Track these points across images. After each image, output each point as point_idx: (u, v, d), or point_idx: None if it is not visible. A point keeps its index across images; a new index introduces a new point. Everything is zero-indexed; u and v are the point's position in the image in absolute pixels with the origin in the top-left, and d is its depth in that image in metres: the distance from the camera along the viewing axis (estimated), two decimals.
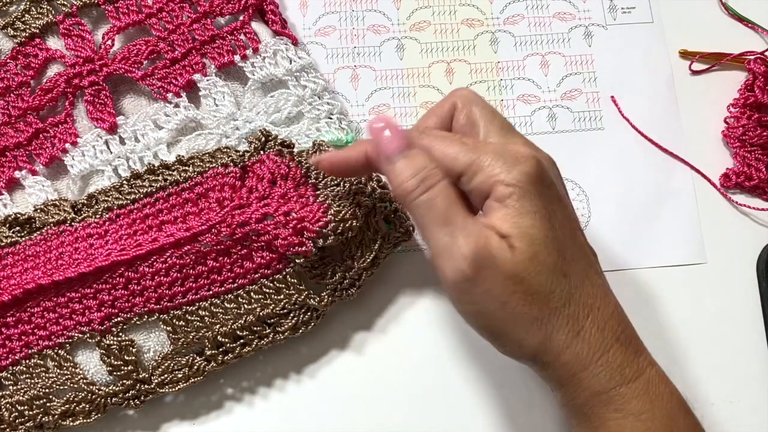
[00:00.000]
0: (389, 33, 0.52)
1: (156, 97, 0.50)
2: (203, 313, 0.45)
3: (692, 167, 0.50)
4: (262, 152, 0.46)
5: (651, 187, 0.50)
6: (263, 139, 0.46)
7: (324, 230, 0.43)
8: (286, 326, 0.45)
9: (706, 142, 0.51)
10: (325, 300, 0.45)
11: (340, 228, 0.43)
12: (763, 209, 0.50)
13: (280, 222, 0.43)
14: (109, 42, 0.50)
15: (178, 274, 0.44)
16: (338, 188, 0.44)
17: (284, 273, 0.44)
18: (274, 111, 0.49)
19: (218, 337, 0.44)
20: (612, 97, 0.51)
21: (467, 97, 0.39)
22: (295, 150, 0.46)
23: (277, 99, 0.49)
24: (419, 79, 0.52)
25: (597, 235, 0.49)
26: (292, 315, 0.45)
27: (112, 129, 0.49)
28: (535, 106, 0.51)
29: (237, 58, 0.49)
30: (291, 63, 0.49)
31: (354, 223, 0.43)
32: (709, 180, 0.50)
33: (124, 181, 0.47)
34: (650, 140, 0.51)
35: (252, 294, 0.45)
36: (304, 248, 0.43)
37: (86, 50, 0.50)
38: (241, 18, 0.50)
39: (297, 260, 0.44)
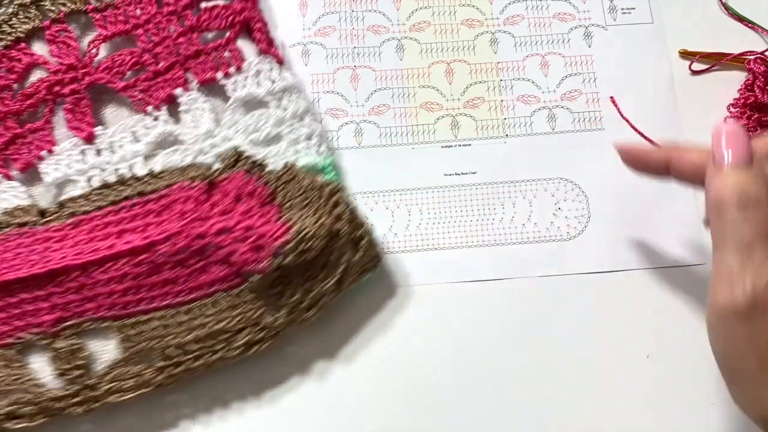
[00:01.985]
0: (389, 33, 0.51)
1: (136, 109, 0.48)
2: (156, 323, 0.43)
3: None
4: (231, 170, 0.45)
5: (651, 187, 0.47)
6: (234, 157, 0.45)
7: (283, 248, 0.41)
8: (239, 342, 0.43)
9: (706, 142, 0.52)
10: (281, 320, 0.43)
11: (301, 247, 0.41)
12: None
13: (239, 237, 0.42)
14: (94, 50, 0.49)
15: (133, 283, 0.43)
16: (304, 211, 0.43)
17: (241, 289, 0.43)
18: (254, 131, 0.47)
19: (169, 348, 0.43)
20: (611, 98, 0.50)
21: None
22: (268, 170, 0.45)
23: (258, 119, 0.47)
24: (419, 80, 0.51)
25: (596, 236, 0.48)
26: (245, 332, 0.43)
27: (89, 139, 0.48)
28: (534, 107, 0.50)
29: (219, 75, 0.48)
30: (273, 83, 0.48)
31: (315, 243, 0.42)
32: None
33: (94, 190, 0.46)
34: (650, 140, 0.49)
35: (206, 308, 0.43)
36: (260, 265, 0.42)
37: (70, 57, 0.49)
38: (228, 35, 0.49)
39: (252, 278, 0.42)
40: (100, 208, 0.45)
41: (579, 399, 0.45)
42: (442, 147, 0.49)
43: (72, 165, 0.48)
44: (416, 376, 0.46)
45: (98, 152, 0.48)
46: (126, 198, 0.45)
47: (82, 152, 0.48)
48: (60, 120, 0.49)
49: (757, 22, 0.52)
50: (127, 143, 0.48)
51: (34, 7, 0.50)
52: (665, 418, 0.44)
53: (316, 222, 0.42)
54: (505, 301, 0.46)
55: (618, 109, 0.50)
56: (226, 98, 0.48)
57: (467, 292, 0.46)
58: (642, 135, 0.49)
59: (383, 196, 0.48)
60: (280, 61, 0.49)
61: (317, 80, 0.50)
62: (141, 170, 0.47)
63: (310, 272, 0.43)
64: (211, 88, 0.49)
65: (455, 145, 0.49)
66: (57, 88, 0.48)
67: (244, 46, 0.49)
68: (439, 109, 0.50)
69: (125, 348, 0.43)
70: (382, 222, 0.48)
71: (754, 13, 0.52)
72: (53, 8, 0.50)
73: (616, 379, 0.45)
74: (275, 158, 0.47)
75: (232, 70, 0.48)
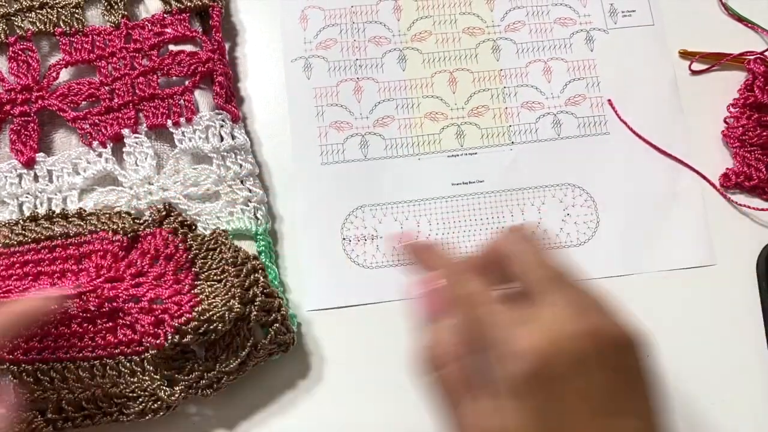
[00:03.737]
0: (390, 44, 0.49)
1: (82, 142, 0.46)
2: (54, 374, 0.40)
3: (692, 168, 0.48)
4: (157, 226, 0.43)
5: (658, 190, 0.47)
6: (164, 213, 0.43)
7: (184, 327, 0.39)
8: (132, 410, 0.40)
9: (706, 142, 0.48)
10: (177, 395, 0.40)
11: (203, 328, 0.39)
12: (763, 209, 0.47)
13: (145, 308, 0.40)
14: (54, 74, 0.46)
15: (38, 330, 0.40)
16: (218, 284, 0.41)
17: (142, 357, 0.40)
18: (193, 184, 0.45)
19: (62, 402, 0.40)
20: (609, 101, 0.48)
21: (506, 247, 0.33)
22: (195, 233, 0.43)
23: (199, 173, 0.45)
24: (422, 90, 0.48)
25: (605, 240, 0.46)
26: (141, 400, 0.40)
27: (29, 164, 0.45)
28: (539, 113, 0.48)
29: (169, 122, 0.45)
30: (222, 141, 0.45)
31: (219, 327, 0.39)
32: (708, 181, 0.47)
33: (20, 221, 0.44)
34: (649, 143, 0.48)
35: (107, 368, 0.41)
36: (158, 340, 0.39)
37: (28, 78, 0.46)
38: (187, 83, 0.46)
39: (150, 351, 0.40)
40: (21, 243, 0.43)
41: None
42: (448, 156, 0.47)
43: (6, 187, 0.45)
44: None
45: (35, 178, 0.45)
46: (49, 237, 0.43)
47: (19, 176, 0.45)
48: (5, 139, 0.46)
49: (757, 22, 0.50)
50: (66, 174, 0.45)
51: (3, 21, 0.47)
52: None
53: (225, 304, 0.40)
54: None
55: (616, 112, 0.48)
56: (173, 145, 0.46)
57: None
58: (641, 137, 0.48)
59: (391, 208, 0.46)
60: (236, 118, 0.46)
61: (320, 93, 0.48)
62: (72, 206, 0.45)
63: (213, 351, 0.41)
64: (161, 132, 0.46)
65: (461, 154, 0.48)
66: (7, 108, 0.45)
67: (206, 95, 0.46)
68: (443, 118, 0.48)
69: (19, 393, 0.40)
70: (391, 234, 0.46)
71: (754, 13, 0.50)
72: (22, 25, 0.47)
73: None
74: (209, 217, 0.44)
75: (182, 120, 0.45)
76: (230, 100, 0.46)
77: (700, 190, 0.48)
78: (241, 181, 0.45)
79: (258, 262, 0.42)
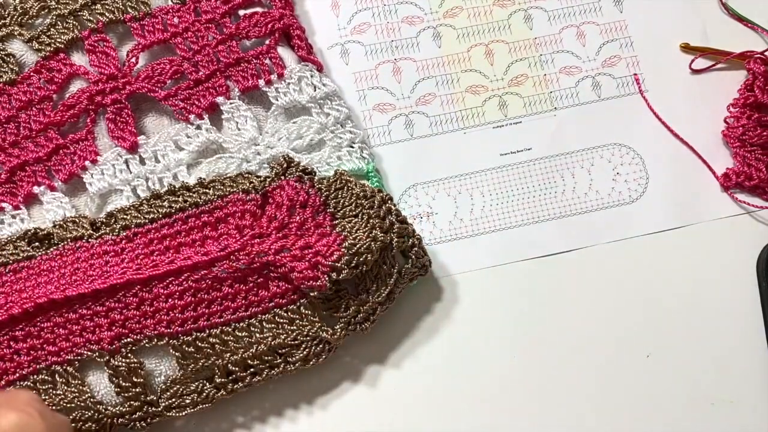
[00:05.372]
0: (424, 23, 0.48)
1: (178, 118, 0.46)
2: (213, 340, 0.41)
3: (699, 156, 0.48)
4: (282, 178, 0.43)
5: (703, 139, 0.48)
6: (285, 165, 0.43)
7: (338, 264, 0.40)
8: (297, 357, 0.41)
9: (705, 142, 0.48)
10: (338, 333, 0.41)
11: (354, 261, 0.40)
12: (763, 208, 0.47)
13: (297, 255, 0.40)
14: (133, 59, 0.45)
15: (192, 299, 0.41)
16: (356, 219, 0.41)
17: (298, 304, 0.41)
18: (296, 137, 0.45)
19: (228, 365, 0.41)
20: (635, 75, 0.48)
21: None
22: (316, 177, 0.43)
23: (300, 125, 0.45)
24: (460, 65, 0.48)
25: (658, 195, 0.47)
26: (303, 346, 0.41)
27: (133, 148, 0.45)
28: (578, 77, 0.48)
29: (261, 82, 0.45)
30: (315, 90, 0.45)
31: (368, 257, 0.40)
32: (713, 172, 0.47)
33: (144, 201, 0.44)
34: (668, 127, 0.48)
35: (264, 323, 0.41)
36: (318, 283, 0.40)
37: (110, 67, 0.45)
38: (267, 42, 0.45)
39: (311, 293, 0.41)
40: (153, 220, 0.42)
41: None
42: (493, 128, 0.47)
43: (116, 175, 0.45)
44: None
45: (142, 161, 0.45)
46: (180, 210, 0.43)
47: (126, 162, 0.45)
48: (101, 130, 0.45)
49: (757, 22, 0.49)
50: (170, 152, 0.45)
51: (72, 17, 0.46)
52: (665, 418, 0.43)
53: (369, 235, 0.41)
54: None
55: (640, 90, 0.48)
56: (265, 105, 0.45)
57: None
58: (663, 123, 0.48)
59: (443, 183, 0.46)
60: (320, 68, 0.45)
61: (360, 78, 0.47)
62: (186, 179, 0.44)
63: (363, 284, 0.41)
64: (252, 95, 0.45)
65: (506, 124, 0.47)
66: (98, 99, 0.45)
67: (284, 52, 0.46)
68: (484, 91, 0.47)
69: (184, 365, 0.41)
70: (446, 209, 0.45)
71: (754, 13, 0.50)
72: (92, 18, 0.46)
73: (618, 377, 0.45)
74: (318, 165, 0.44)
75: (273, 77, 0.45)
76: (311, 52, 0.46)
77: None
78: (341, 125, 0.45)
79: (384, 193, 0.42)
